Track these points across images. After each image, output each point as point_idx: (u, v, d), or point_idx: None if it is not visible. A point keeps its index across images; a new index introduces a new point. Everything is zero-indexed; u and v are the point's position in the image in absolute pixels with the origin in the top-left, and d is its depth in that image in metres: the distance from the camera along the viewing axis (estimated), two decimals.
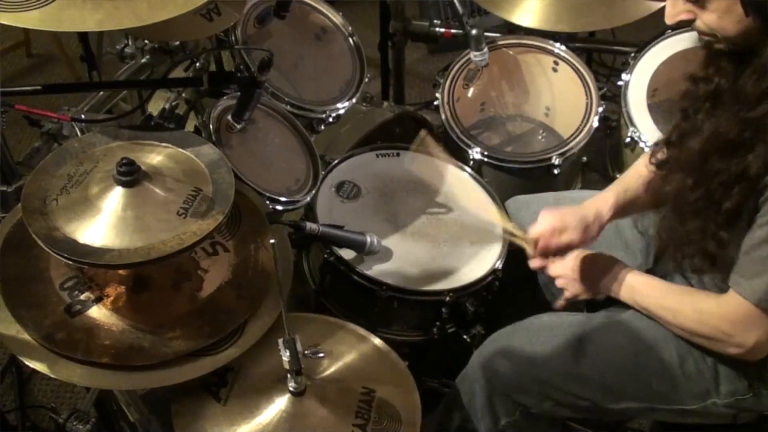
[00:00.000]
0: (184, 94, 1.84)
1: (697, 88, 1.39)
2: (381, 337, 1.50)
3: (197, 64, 1.94)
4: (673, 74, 2.18)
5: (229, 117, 1.68)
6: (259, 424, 1.30)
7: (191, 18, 1.59)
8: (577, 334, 1.54)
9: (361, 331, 1.51)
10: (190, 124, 1.87)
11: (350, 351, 1.45)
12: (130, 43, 1.95)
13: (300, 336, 1.29)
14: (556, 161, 2.11)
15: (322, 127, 2.05)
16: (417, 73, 3.44)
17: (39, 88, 1.50)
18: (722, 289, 1.36)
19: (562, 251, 1.58)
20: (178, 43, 1.96)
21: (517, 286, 1.90)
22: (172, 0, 1.25)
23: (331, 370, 1.41)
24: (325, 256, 1.75)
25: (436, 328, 1.81)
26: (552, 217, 1.57)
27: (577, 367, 1.51)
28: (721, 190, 1.30)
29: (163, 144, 1.37)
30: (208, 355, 1.31)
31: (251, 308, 1.36)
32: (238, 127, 1.68)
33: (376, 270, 1.75)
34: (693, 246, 1.37)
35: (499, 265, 1.80)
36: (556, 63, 2.32)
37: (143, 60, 1.96)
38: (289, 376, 1.30)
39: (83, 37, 2.21)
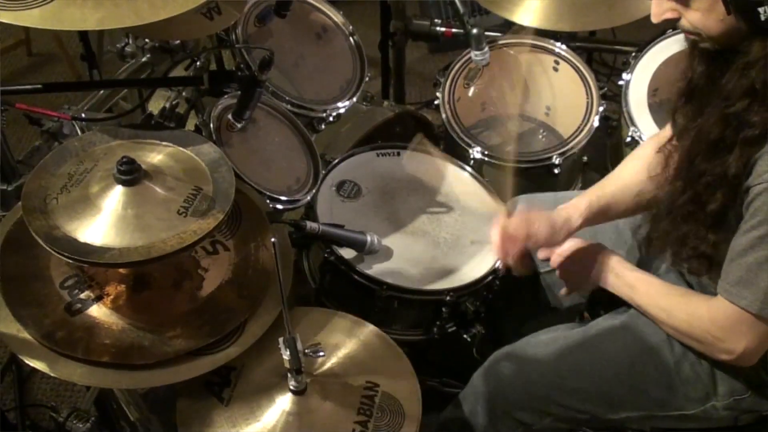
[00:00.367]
0: (184, 93, 1.84)
1: (685, 88, 1.39)
2: None
3: (198, 63, 1.94)
4: (674, 74, 2.16)
5: (230, 116, 1.68)
6: (262, 427, 1.29)
7: (192, 17, 1.59)
8: (573, 349, 1.54)
9: (355, 318, 1.50)
10: (191, 123, 1.87)
11: (347, 339, 1.44)
12: (130, 41, 1.95)
13: (297, 329, 1.28)
14: (556, 161, 2.11)
15: (323, 126, 2.05)
16: (417, 72, 3.44)
17: (39, 86, 1.50)
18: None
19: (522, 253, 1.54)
20: (178, 42, 1.96)
21: (517, 286, 1.90)
22: None
23: (331, 362, 1.40)
24: (326, 255, 1.75)
25: (436, 327, 1.81)
26: (521, 218, 1.54)
27: (574, 381, 1.51)
28: (707, 192, 1.30)
29: (164, 143, 1.37)
30: (208, 354, 1.31)
31: (251, 307, 1.36)
32: (239, 126, 1.68)
33: (376, 269, 1.75)
34: (688, 249, 1.37)
35: (499, 264, 1.80)
36: (556, 62, 2.32)
37: (144, 59, 1.96)
38: (289, 375, 1.29)
39: (84, 35, 2.20)
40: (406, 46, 2.67)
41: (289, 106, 1.94)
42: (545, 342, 1.57)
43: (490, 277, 1.79)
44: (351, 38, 2.20)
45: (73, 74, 3.32)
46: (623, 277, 1.49)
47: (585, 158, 2.29)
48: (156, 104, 1.92)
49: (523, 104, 2.44)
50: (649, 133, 2.04)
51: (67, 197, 1.24)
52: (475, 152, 2.12)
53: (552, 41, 2.31)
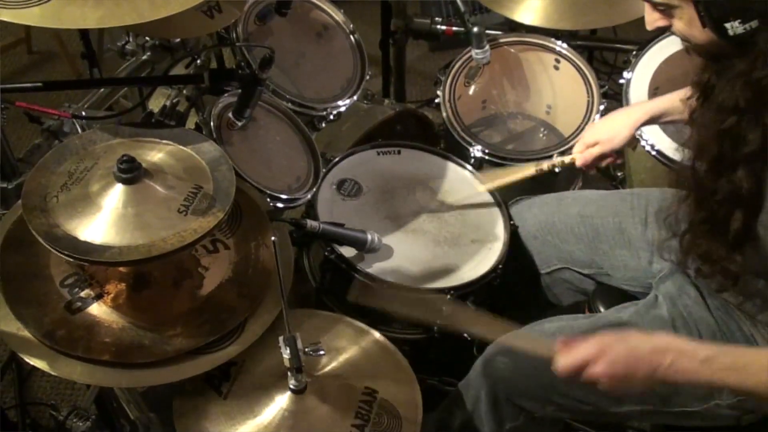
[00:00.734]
0: (185, 92, 1.83)
1: (694, 90, 1.39)
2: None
3: (198, 62, 1.93)
4: (675, 72, 2.17)
5: (230, 114, 1.67)
6: (259, 423, 1.30)
7: (192, 15, 1.59)
8: (578, 338, 1.53)
9: (360, 324, 1.50)
10: (191, 122, 1.87)
11: (350, 345, 1.45)
12: (130, 40, 1.95)
13: (299, 331, 1.28)
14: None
15: (323, 125, 2.05)
16: (418, 70, 3.44)
17: (40, 85, 1.50)
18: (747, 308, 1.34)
19: (598, 159, 1.77)
20: (179, 40, 1.96)
21: (518, 284, 1.90)
22: None
23: (332, 366, 1.40)
24: (326, 253, 1.75)
25: (436, 326, 1.81)
26: (584, 135, 1.82)
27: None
28: (724, 211, 1.28)
29: (164, 141, 1.37)
30: (209, 353, 1.31)
31: (252, 306, 1.36)
32: (239, 124, 1.67)
33: (376, 268, 1.75)
34: (714, 266, 1.33)
35: (500, 263, 1.80)
36: (557, 61, 2.32)
37: (144, 57, 1.95)
38: (289, 373, 1.29)
39: (84, 34, 2.20)
40: (407, 44, 2.67)
41: (289, 105, 1.94)
42: (550, 331, 1.57)
43: (491, 276, 1.79)
44: (352, 37, 2.20)
45: (73, 72, 3.32)
46: (715, 360, 1.23)
47: None
48: (156, 102, 1.92)
49: (524, 103, 2.44)
50: (650, 132, 2.03)
51: (68, 195, 1.24)
52: (476, 150, 2.12)
53: (553, 40, 2.31)
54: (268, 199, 1.67)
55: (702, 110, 1.34)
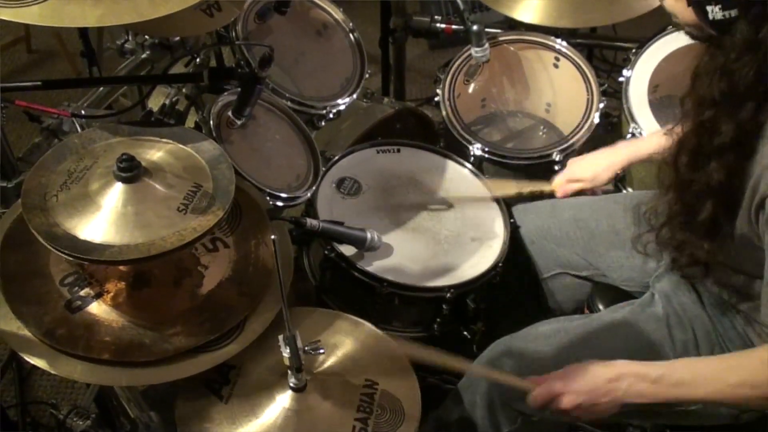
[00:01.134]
0: (184, 90, 1.83)
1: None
2: None
3: (198, 60, 1.93)
4: (675, 70, 2.17)
5: (230, 113, 1.67)
6: (262, 423, 1.30)
7: (192, 13, 1.59)
8: (575, 340, 1.53)
9: (357, 319, 1.50)
10: (191, 120, 1.87)
11: (348, 341, 1.45)
12: (130, 38, 1.95)
13: (298, 329, 1.28)
14: (556, 157, 2.11)
15: (323, 123, 2.05)
16: (418, 69, 3.44)
17: (39, 83, 1.49)
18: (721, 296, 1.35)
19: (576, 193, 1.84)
20: (178, 38, 1.96)
21: (519, 290, 1.90)
22: None
23: (331, 362, 1.40)
24: (326, 252, 1.75)
25: (436, 324, 1.81)
26: (568, 170, 1.89)
27: None
28: (697, 202, 1.30)
29: (164, 140, 1.36)
30: (209, 352, 1.30)
31: (252, 305, 1.36)
32: (239, 123, 1.67)
33: (376, 266, 1.75)
34: (686, 256, 1.38)
35: (500, 261, 1.80)
36: (557, 59, 2.32)
37: (143, 56, 1.95)
38: (289, 372, 1.29)
39: (83, 32, 2.20)
40: (406, 42, 2.67)
41: (289, 103, 1.94)
42: (546, 334, 1.57)
43: (491, 274, 1.79)
44: (351, 35, 2.20)
45: (72, 71, 3.32)
46: (664, 379, 1.31)
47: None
48: (156, 101, 1.92)
49: (524, 101, 2.44)
50: (650, 129, 2.04)
51: (67, 194, 1.24)
52: (476, 149, 2.12)
53: (552, 38, 2.31)
54: (268, 198, 1.67)
55: (687, 101, 1.35)
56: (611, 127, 2.33)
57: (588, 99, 2.20)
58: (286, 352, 1.25)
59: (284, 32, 2.08)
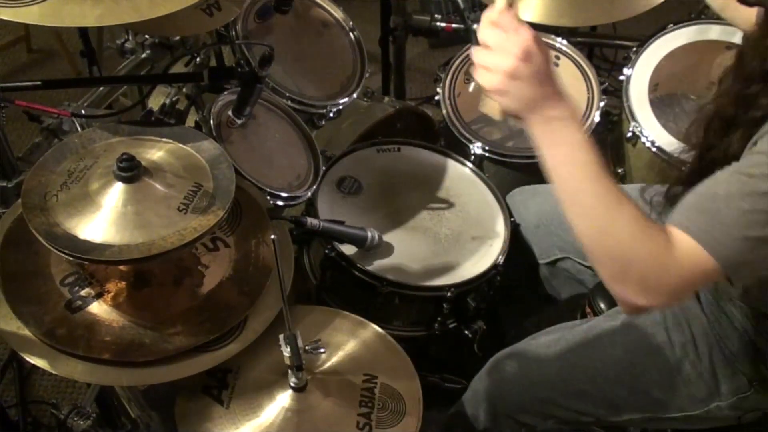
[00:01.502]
0: (184, 90, 1.83)
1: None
2: None
3: (198, 60, 1.93)
4: (675, 69, 2.17)
5: (230, 112, 1.67)
6: (263, 423, 1.30)
7: (192, 13, 1.59)
8: (574, 350, 1.53)
9: (357, 318, 1.50)
10: (191, 120, 1.87)
11: (348, 339, 1.45)
12: (130, 38, 1.95)
13: (298, 327, 1.28)
14: None
15: (323, 123, 2.05)
16: (418, 67, 3.44)
17: (39, 83, 1.49)
18: None
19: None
20: (178, 38, 1.96)
21: (518, 282, 1.90)
22: None
23: (331, 360, 1.40)
24: (326, 251, 1.75)
25: (437, 323, 1.81)
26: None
27: (575, 383, 1.51)
28: (709, 168, 1.25)
29: (164, 139, 1.36)
30: (209, 351, 1.30)
31: (252, 304, 1.36)
32: (239, 122, 1.67)
33: (377, 265, 1.75)
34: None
35: (500, 260, 1.80)
36: (557, 57, 2.31)
37: (143, 55, 1.95)
38: (290, 371, 1.29)
39: (83, 32, 2.20)
40: (407, 41, 2.67)
41: (289, 103, 1.94)
42: (546, 344, 1.57)
43: (492, 273, 1.79)
44: (351, 34, 2.20)
45: (72, 71, 3.32)
46: (554, 124, 1.19)
47: None
48: (156, 101, 1.92)
49: None
50: (650, 128, 2.04)
51: (67, 194, 1.24)
52: (476, 147, 2.12)
53: (553, 36, 2.31)
54: (268, 197, 1.67)
55: (730, 77, 1.32)
56: (611, 126, 2.32)
57: (588, 97, 2.20)
58: (286, 352, 1.25)
59: (284, 32, 2.07)
